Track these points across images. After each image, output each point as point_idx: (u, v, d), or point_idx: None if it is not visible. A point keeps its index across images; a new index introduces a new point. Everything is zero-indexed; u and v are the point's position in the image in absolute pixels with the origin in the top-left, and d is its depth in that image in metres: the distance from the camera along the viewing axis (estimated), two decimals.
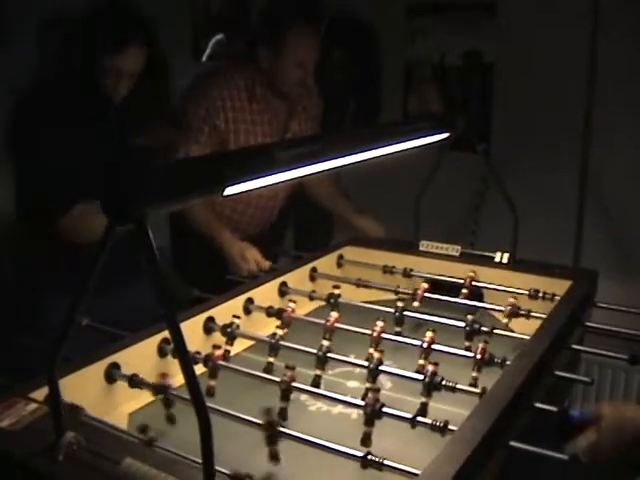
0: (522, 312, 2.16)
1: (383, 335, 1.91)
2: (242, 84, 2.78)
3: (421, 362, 1.80)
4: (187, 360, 1.17)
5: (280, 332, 1.91)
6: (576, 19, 3.50)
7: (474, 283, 2.39)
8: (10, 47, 5.49)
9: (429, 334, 1.84)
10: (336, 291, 2.22)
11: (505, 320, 2.16)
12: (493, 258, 2.52)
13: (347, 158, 1.60)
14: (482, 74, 3.85)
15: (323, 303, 2.27)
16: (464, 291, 2.34)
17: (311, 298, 2.29)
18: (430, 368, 1.64)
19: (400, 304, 2.12)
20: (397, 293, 2.34)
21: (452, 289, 2.37)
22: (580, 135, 3.50)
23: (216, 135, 2.75)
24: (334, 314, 1.97)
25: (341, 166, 1.59)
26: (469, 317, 2.01)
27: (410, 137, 1.90)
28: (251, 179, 1.27)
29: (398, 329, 2.09)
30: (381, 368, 1.72)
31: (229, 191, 1.22)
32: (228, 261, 2.66)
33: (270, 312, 2.09)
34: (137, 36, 2.34)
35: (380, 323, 1.91)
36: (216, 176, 1.20)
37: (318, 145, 1.49)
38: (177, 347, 1.18)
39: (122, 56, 2.31)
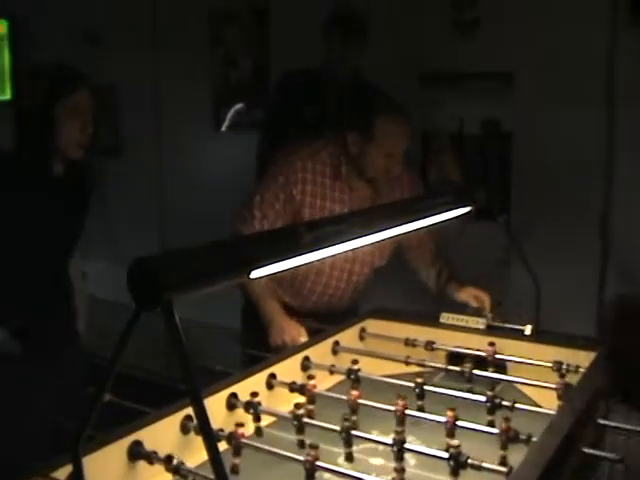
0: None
1: (406, 412, 1.90)
2: (328, 160, 2.77)
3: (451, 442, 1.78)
4: (212, 439, 1.17)
5: (302, 410, 1.90)
6: (593, 87, 3.54)
7: (497, 355, 2.37)
8: None
9: (450, 413, 1.82)
10: (355, 366, 2.21)
11: (558, 402, 2.08)
12: (516, 330, 2.50)
13: (372, 237, 1.61)
14: (500, 143, 3.88)
15: (344, 377, 2.26)
16: (490, 369, 2.32)
17: (331, 372, 2.28)
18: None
19: (420, 380, 2.10)
20: (419, 366, 2.33)
21: (475, 362, 2.35)
22: (600, 202, 3.51)
23: (291, 205, 2.74)
24: (355, 392, 1.97)
25: (366, 244, 1.61)
26: (489, 393, 1.99)
27: (432, 213, 1.91)
28: (277, 261, 1.28)
29: (420, 403, 2.07)
30: (405, 446, 1.70)
31: (255, 274, 1.23)
32: (270, 332, 2.68)
33: (293, 387, 2.07)
34: (85, 79, 2.50)
35: (401, 401, 1.89)
36: (241, 260, 1.21)
37: (343, 225, 1.50)
38: (202, 426, 1.19)
39: (78, 93, 2.44)
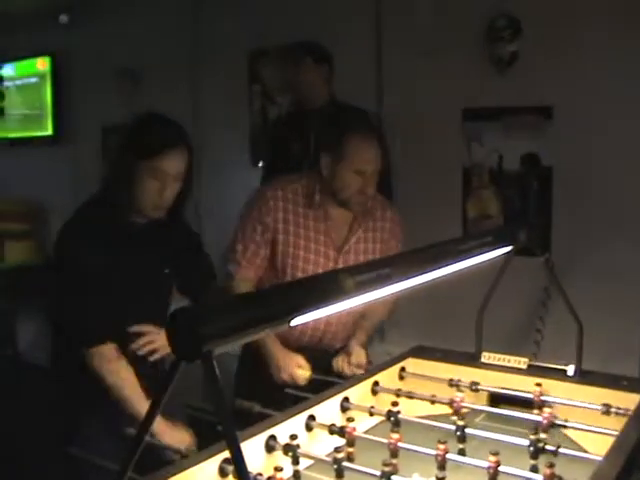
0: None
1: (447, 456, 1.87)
2: (300, 190, 2.80)
3: None
4: None
5: (342, 454, 1.88)
6: (634, 121, 3.51)
7: (529, 395, 2.32)
8: (76, 147, 5.81)
9: (493, 458, 1.79)
10: (395, 408, 2.18)
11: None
12: (559, 370, 2.46)
13: (414, 279, 1.60)
14: (540, 178, 3.85)
15: (384, 418, 2.23)
16: (536, 411, 2.27)
17: (371, 414, 2.25)
18: None
19: (461, 422, 2.06)
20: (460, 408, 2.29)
21: (518, 403, 2.31)
22: None
23: (268, 234, 2.78)
24: (395, 435, 1.94)
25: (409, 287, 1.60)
26: (532, 437, 1.95)
27: (474, 254, 1.90)
28: (318, 308, 1.28)
29: (461, 446, 2.04)
30: None
31: (296, 322, 1.23)
32: (271, 367, 2.72)
33: (332, 430, 2.05)
34: (180, 139, 2.44)
35: (442, 446, 1.86)
36: (283, 308, 1.20)
37: (385, 269, 1.49)
38: (238, 472, 1.19)
39: (167, 158, 2.38)
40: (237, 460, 1.18)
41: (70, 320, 2.47)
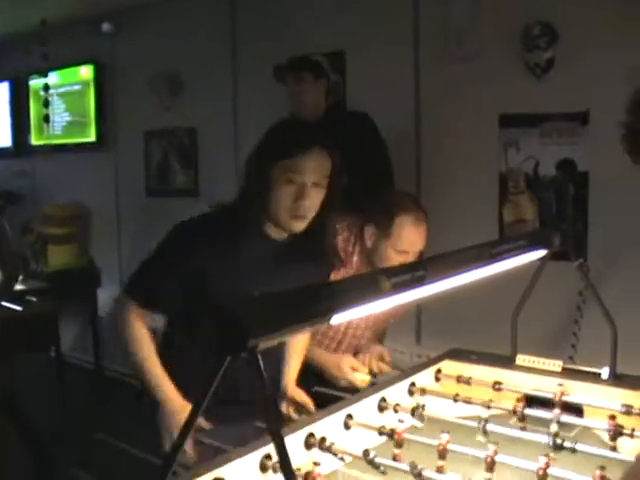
0: (626, 432, 2.07)
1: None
2: (341, 244, 2.74)
3: None
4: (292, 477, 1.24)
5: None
6: None
7: (564, 398, 2.33)
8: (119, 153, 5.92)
9: (544, 459, 1.80)
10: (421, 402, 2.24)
11: (610, 443, 2.06)
12: (593, 373, 2.48)
13: (449, 281, 1.65)
14: (576, 183, 3.86)
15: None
16: (556, 410, 2.29)
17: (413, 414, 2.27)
18: None
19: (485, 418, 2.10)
20: (489, 408, 2.33)
21: (551, 405, 2.34)
22: None
23: None
24: (445, 436, 1.96)
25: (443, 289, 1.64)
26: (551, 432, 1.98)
27: (508, 257, 1.94)
28: (356, 307, 1.33)
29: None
30: None
31: (335, 320, 1.28)
32: (325, 375, 2.76)
33: (382, 431, 2.07)
34: (317, 141, 2.18)
35: (492, 447, 1.88)
36: (324, 306, 1.26)
37: (421, 270, 1.55)
38: (283, 465, 1.25)
39: (302, 160, 2.13)
40: (282, 454, 1.23)
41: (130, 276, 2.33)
